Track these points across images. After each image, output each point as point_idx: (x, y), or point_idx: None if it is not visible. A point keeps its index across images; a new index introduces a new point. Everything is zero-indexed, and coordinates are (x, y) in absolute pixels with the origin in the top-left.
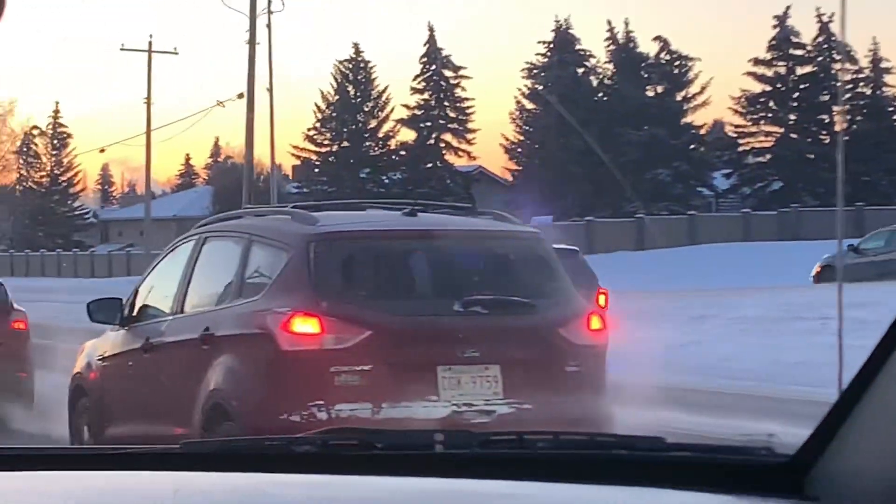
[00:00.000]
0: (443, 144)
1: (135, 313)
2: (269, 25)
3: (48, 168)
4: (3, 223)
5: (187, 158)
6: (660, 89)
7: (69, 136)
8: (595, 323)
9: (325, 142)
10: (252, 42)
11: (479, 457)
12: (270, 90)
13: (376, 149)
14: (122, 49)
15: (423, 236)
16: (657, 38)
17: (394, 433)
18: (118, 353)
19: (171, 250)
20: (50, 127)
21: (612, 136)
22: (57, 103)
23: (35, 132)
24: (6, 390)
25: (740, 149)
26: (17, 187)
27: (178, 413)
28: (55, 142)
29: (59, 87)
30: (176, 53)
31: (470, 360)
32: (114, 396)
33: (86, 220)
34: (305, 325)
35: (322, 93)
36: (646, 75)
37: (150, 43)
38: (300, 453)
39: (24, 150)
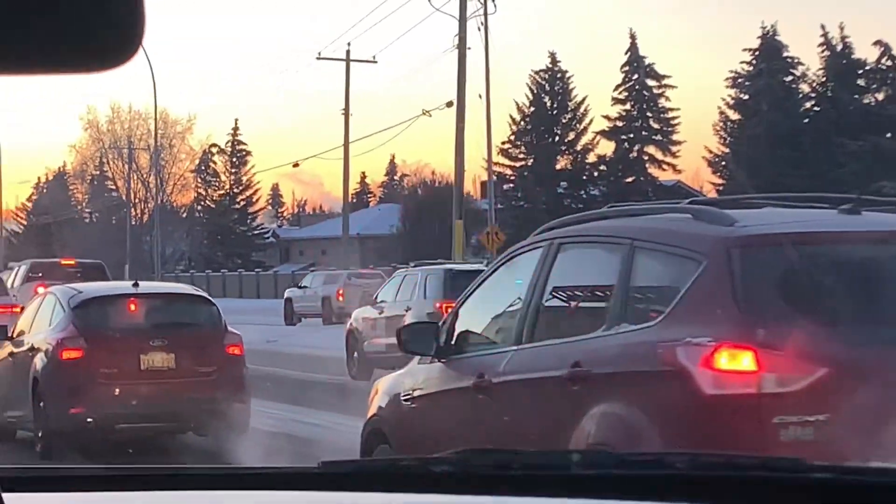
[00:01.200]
0: (646, 157)
1: (454, 342)
2: (480, 28)
3: (227, 186)
4: (180, 242)
5: (363, 176)
6: (880, 96)
7: (248, 153)
8: None
9: (520, 155)
10: (462, 46)
11: (617, 477)
12: (487, 97)
13: (574, 163)
14: (318, 58)
15: (881, 240)
16: (877, 42)
17: (531, 454)
18: (436, 391)
19: (506, 261)
20: (229, 144)
21: (829, 146)
22: (236, 120)
23: (214, 150)
24: (220, 421)
25: None
26: (196, 206)
27: None
28: (234, 159)
29: (239, 100)
30: (375, 62)
31: None
32: (433, 446)
33: (265, 239)
34: (737, 361)
35: (517, 104)
36: (863, 82)
37: (347, 52)
38: (437, 473)
39: (203, 168)
